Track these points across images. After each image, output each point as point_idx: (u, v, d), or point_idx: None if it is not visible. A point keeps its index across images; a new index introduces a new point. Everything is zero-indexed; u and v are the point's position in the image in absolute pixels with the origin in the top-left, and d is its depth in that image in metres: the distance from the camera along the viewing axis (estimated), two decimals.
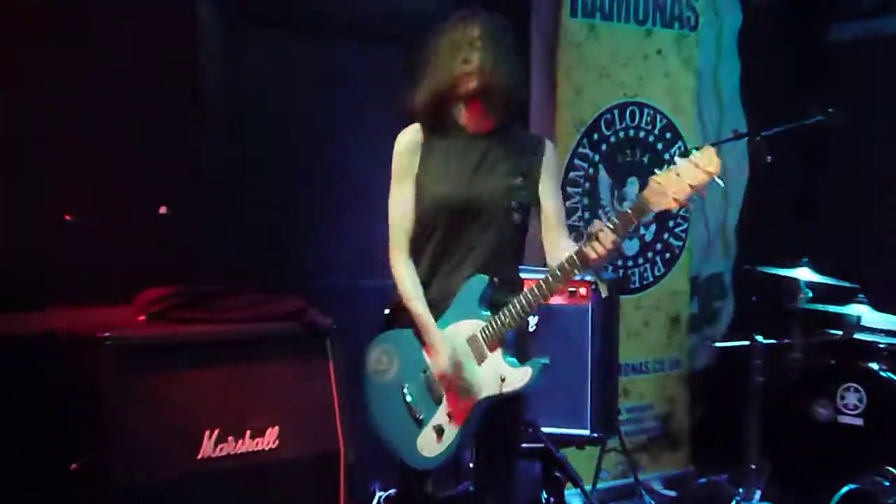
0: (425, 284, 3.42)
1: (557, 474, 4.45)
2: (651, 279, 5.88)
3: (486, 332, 3.31)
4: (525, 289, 3.28)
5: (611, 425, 4.83)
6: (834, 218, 6.29)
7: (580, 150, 5.54)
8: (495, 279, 3.32)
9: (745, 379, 5.12)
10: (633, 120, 5.74)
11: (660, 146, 5.86)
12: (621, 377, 5.43)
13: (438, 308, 3.38)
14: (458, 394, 3.34)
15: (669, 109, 5.86)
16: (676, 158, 2.97)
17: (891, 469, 4.61)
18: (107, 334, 3.67)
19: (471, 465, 3.66)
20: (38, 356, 3.88)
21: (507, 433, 3.46)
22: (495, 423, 3.37)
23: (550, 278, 3.22)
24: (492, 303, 3.34)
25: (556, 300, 4.60)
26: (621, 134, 5.70)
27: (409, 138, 3.40)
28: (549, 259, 3.40)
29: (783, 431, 5.04)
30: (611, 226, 3.08)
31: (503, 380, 3.27)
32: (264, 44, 4.84)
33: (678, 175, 2.97)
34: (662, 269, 5.92)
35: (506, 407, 3.35)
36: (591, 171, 5.58)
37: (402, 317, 3.47)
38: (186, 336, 3.90)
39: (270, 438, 3.99)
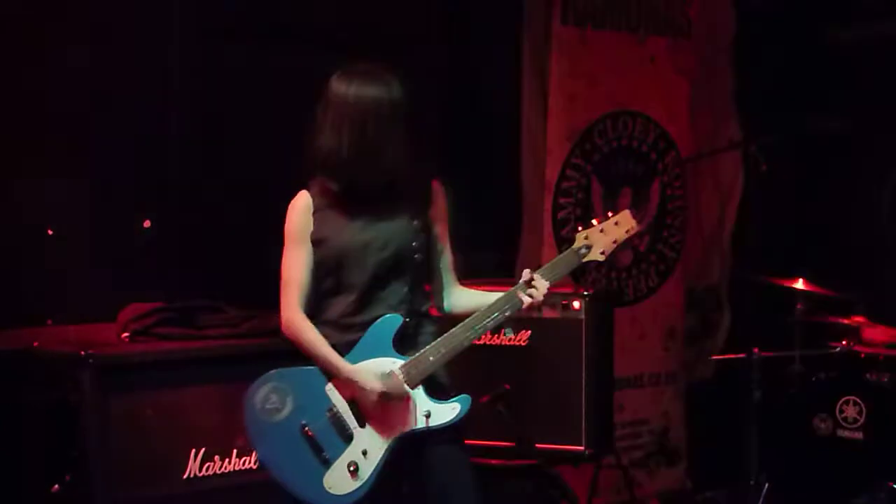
0: (335, 331, 3.42)
1: (552, 492, 4.38)
2: (645, 291, 5.82)
3: (407, 369, 3.33)
4: (455, 329, 3.36)
5: (606, 441, 4.77)
6: (832, 228, 6.25)
7: (572, 160, 5.48)
8: (407, 319, 3.38)
9: (743, 392, 5.07)
10: (626, 129, 5.68)
11: (653, 156, 5.80)
12: (616, 391, 5.35)
13: (344, 352, 3.39)
14: (379, 426, 3.33)
15: (662, 118, 5.80)
16: (594, 221, 3.41)
17: (891, 484, 4.53)
18: (89, 352, 3.63)
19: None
20: (18, 374, 3.84)
21: (450, 465, 3.37)
22: (433, 456, 3.35)
23: (477, 318, 3.36)
24: (405, 341, 3.38)
25: (550, 313, 4.54)
26: (614, 144, 5.64)
27: (302, 202, 3.46)
28: (446, 304, 3.52)
29: (782, 446, 4.99)
30: (542, 273, 3.36)
31: (428, 415, 3.31)
32: (242, 55, 4.84)
33: (602, 231, 3.40)
34: (657, 280, 5.86)
35: (437, 438, 3.34)
36: (583, 181, 5.52)
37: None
38: (171, 354, 3.89)
39: (257, 457, 3.93)
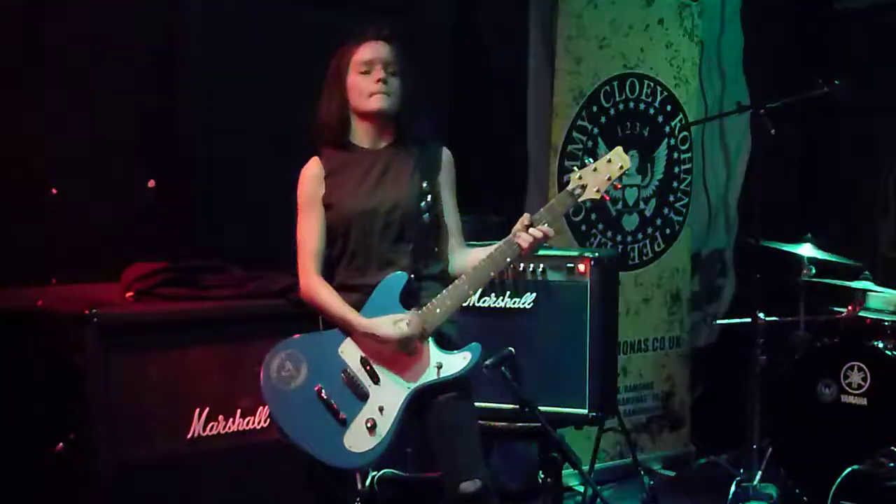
0: (346, 293, 3.51)
1: (554, 455, 4.38)
2: (651, 255, 5.80)
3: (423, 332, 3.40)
4: (458, 280, 3.42)
5: (609, 405, 4.75)
6: (838, 193, 6.22)
7: (579, 122, 5.45)
8: (412, 276, 3.45)
9: (747, 357, 5.07)
10: (632, 92, 5.64)
11: (660, 119, 5.76)
12: (620, 355, 5.35)
13: (356, 309, 3.47)
14: (393, 382, 3.39)
15: (671, 81, 5.76)
16: (588, 159, 3.43)
17: (894, 449, 4.53)
18: (93, 311, 3.62)
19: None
20: (22, 333, 3.84)
21: (458, 417, 3.42)
22: (442, 410, 3.40)
23: (480, 267, 3.40)
24: (411, 299, 3.44)
25: (555, 276, 4.52)
26: (621, 106, 5.60)
27: (313, 170, 3.58)
28: (452, 266, 3.60)
29: (785, 411, 5.00)
30: (538, 217, 3.39)
31: (440, 367, 3.38)
32: (244, 11, 4.80)
33: (595, 170, 3.38)
34: (662, 245, 5.84)
35: (448, 391, 3.40)
36: (589, 143, 5.49)
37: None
38: (175, 314, 3.89)
39: (261, 418, 3.97)
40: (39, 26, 4.30)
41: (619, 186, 3.52)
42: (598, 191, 3.38)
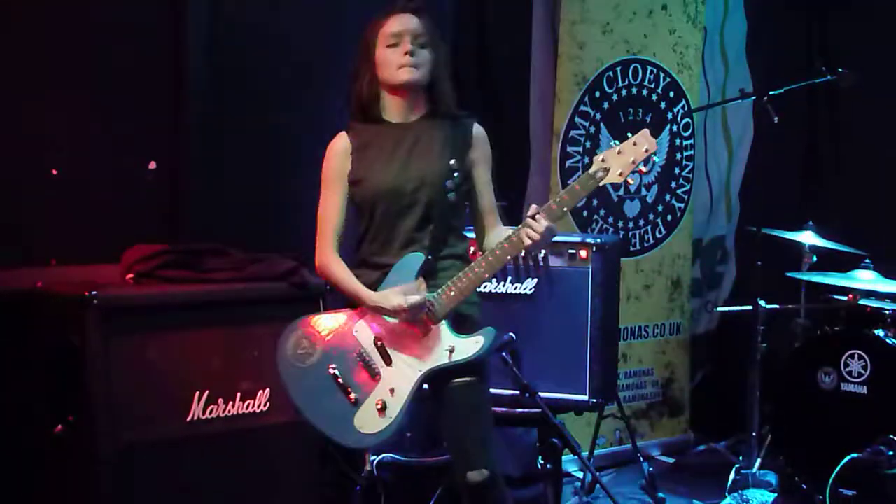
0: (369, 270, 3.50)
1: (554, 440, 4.38)
2: (652, 241, 5.79)
3: (430, 305, 3.37)
4: (474, 263, 3.40)
5: (609, 391, 4.76)
6: (841, 181, 6.20)
7: (581, 107, 5.43)
8: (430, 256, 3.42)
9: (747, 345, 5.06)
10: (635, 78, 5.62)
11: (663, 105, 5.75)
12: (620, 342, 5.34)
13: (374, 288, 3.46)
14: (405, 364, 3.38)
15: (674, 67, 5.74)
16: (614, 142, 3.32)
17: (894, 438, 4.53)
18: (93, 293, 3.61)
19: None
20: (22, 315, 3.83)
21: (469, 404, 3.40)
22: (453, 396, 3.37)
23: (490, 258, 3.37)
24: (429, 279, 3.42)
25: (556, 262, 4.52)
26: (623, 92, 5.59)
27: (340, 144, 3.54)
28: (484, 245, 3.56)
29: (785, 399, 4.99)
30: (560, 201, 3.31)
31: (451, 350, 3.35)
32: None
33: (620, 153, 3.28)
34: (664, 232, 5.83)
35: (462, 376, 3.37)
36: (591, 129, 5.47)
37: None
38: (175, 296, 3.87)
39: (261, 401, 3.96)
40: (41, 9, 4.28)
41: (645, 171, 3.39)
42: (621, 174, 3.28)
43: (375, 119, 3.52)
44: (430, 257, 3.42)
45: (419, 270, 3.40)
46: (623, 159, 3.27)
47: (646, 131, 3.30)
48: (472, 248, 3.66)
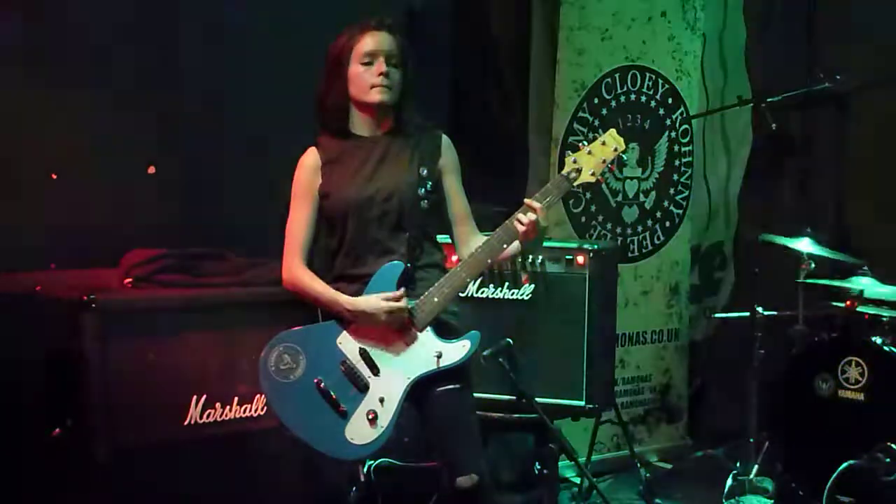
0: (345, 284, 3.50)
1: (551, 446, 4.39)
2: (650, 247, 5.79)
3: (413, 313, 3.38)
4: (455, 268, 3.42)
5: (607, 397, 4.76)
6: (839, 188, 6.20)
7: (580, 114, 5.44)
8: (408, 264, 3.42)
9: (745, 351, 5.06)
10: (634, 84, 5.63)
11: (662, 111, 5.76)
12: (618, 348, 5.35)
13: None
14: (393, 372, 3.37)
15: (672, 74, 5.75)
16: (583, 142, 3.40)
17: (891, 445, 4.53)
18: (92, 297, 3.62)
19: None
20: (20, 318, 3.83)
21: (457, 409, 3.42)
22: (441, 402, 3.38)
23: (477, 254, 3.40)
24: (409, 287, 3.42)
25: (554, 268, 4.52)
26: (622, 99, 5.60)
27: (310, 159, 3.56)
28: (461, 253, 3.58)
29: (782, 405, 4.98)
30: (535, 203, 3.34)
31: (439, 356, 3.35)
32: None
33: (590, 153, 3.36)
34: (662, 238, 5.83)
35: (447, 382, 3.38)
36: (590, 135, 5.47)
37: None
38: (174, 300, 3.88)
39: (258, 405, 3.97)
40: (40, 11, 4.29)
41: (615, 169, 3.52)
42: (592, 174, 3.36)
43: (344, 133, 3.54)
44: (408, 265, 3.43)
45: (399, 279, 3.40)
46: (593, 159, 3.36)
47: (613, 131, 3.39)
48: (453, 257, 3.68)
